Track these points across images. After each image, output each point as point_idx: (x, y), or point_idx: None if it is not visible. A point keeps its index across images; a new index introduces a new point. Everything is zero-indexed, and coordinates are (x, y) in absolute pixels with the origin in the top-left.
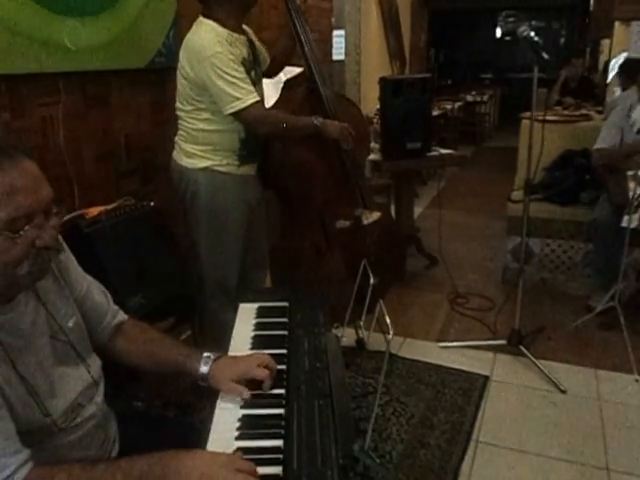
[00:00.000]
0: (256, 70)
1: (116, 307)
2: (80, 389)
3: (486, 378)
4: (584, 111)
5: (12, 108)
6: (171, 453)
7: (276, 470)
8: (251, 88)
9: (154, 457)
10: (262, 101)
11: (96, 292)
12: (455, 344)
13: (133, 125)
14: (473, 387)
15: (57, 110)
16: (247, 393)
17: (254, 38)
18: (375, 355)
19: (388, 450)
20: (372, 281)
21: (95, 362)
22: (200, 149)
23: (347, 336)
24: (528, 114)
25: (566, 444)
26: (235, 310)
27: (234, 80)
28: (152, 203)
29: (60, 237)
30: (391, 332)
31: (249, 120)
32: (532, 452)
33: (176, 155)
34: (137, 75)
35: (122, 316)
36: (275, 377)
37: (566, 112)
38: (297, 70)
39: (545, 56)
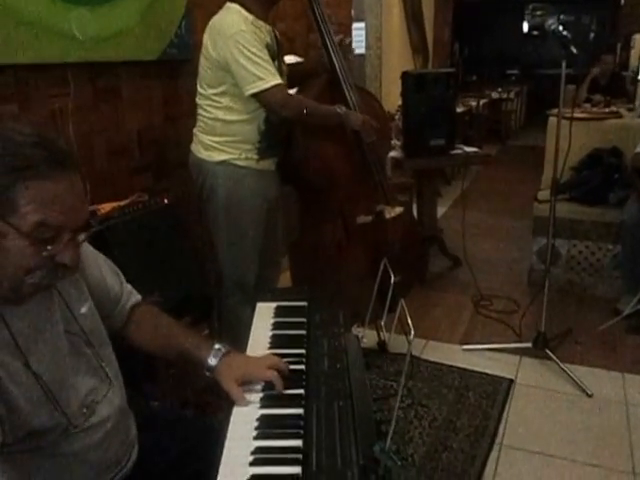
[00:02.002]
0: (279, 63)
1: (129, 287)
2: (92, 385)
3: (511, 381)
4: (614, 108)
5: (20, 99)
6: None
7: (295, 470)
8: (274, 71)
9: None
10: (285, 86)
11: (109, 275)
12: (479, 347)
13: (145, 119)
14: (497, 390)
15: (66, 102)
16: (244, 402)
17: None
18: (397, 357)
19: (410, 453)
20: (393, 280)
21: (109, 357)
22: (218, 141)
23: (368, 338)
24: (556, 111)
25: (592, 449)
26: (253, 308)
27: (258, 60)
28: (166, 200)
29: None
30: (412, 332)
31: (271, 102)
32: (557, 456)
33: (194, 147)
34: (148, 67)
35: (136, 297)
36: (294, 377)
37: (595, 109)
38: (295, 59)
39: (574, 50)
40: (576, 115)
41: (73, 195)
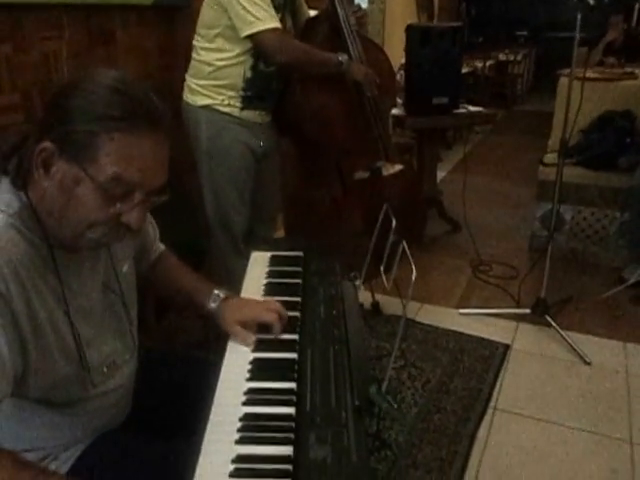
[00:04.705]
0: (283, 16)
1: (157, 234)
2: (117, 347)
3: (507, 347)
4: (628, 69)
5: (13, 41)
6: None
7: (289, 410)
8: (274, 14)
9: None
10: (284, 31)
11: (150, 225)
12: (476, 311)
13: (140, 67)
14: (493, 355)
15: (60, 45)
16: (251, 340)
17: None
18: (390, 318)
19: (402, 413)
20: (394, 224)
21: (135, 320)
22: (203, 85)
23: (362, 299)
24: (567, 71)
25: (588, 415)
26: (244, 260)
27: (258, 1)
28: None
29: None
30: (414, 273)
31: (266, 45)
32: (552, 421)
33: (184, 92)
34: (144, 12)
35: (162, 247)
36: (288, 324)
37: (608, 70)
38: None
39: (590, 1)
40: (588, 75)
41: (156, 156)
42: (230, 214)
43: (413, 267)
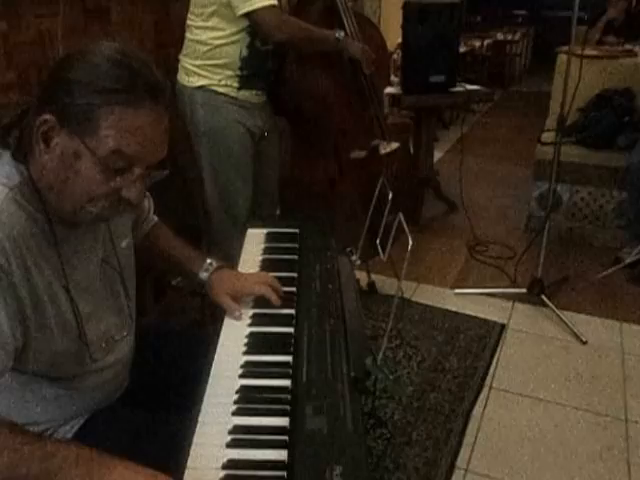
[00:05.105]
0: None
1: (152, 205)
2: (115, 322)
3: (503, 326)
4: (628, 46)
5: (8, 18)
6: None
7: (285, 383)
8: None
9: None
10: (281, 9)
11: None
12: (472, 291)
13: (136, 45)
14: (489, 334)
15: (56, 23)
16: (239, 313)
17: None
18: (386, 298)
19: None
20: (390, 196)
21: (134, 296)
22: (199, 65)
23: (359, 279)
24: (565, 48)
25: (584, 394)
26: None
27: None
28: None
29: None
30: (410, 242)
31: (264, 23)
32: (548, 400)
33: (178, 74)
34: None
35: (155, 218)
36: (285, 298)
37: (607, 47)
38: None
39: None
40: (587, 53)
41: (156, 130)
42: (233, 196)
43: (409, 237)
